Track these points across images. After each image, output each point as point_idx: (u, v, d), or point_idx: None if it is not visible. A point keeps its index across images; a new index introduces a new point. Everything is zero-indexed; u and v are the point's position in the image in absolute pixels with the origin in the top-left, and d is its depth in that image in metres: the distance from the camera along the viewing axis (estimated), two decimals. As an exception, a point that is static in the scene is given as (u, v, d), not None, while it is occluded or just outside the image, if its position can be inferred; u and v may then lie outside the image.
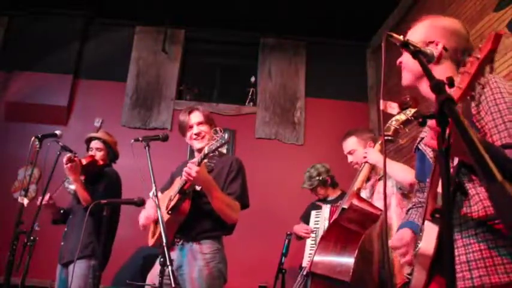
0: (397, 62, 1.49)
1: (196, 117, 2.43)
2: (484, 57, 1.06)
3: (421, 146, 1.48)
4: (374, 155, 2.35)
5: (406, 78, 1.46)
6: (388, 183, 2.42)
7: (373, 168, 2.46)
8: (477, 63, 1.06)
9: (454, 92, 1.07)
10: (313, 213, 3.47)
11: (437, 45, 1.38)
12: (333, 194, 3.54)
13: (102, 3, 5.02)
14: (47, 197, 3.06)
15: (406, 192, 2.39)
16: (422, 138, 1.49)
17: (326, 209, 3.21)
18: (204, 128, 2.42)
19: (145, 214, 2.43)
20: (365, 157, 2.37)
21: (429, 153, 1.41)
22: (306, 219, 3.51)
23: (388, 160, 2.40)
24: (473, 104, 1.25)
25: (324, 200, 3.51)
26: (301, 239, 3.37)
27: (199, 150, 2.34)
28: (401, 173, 2.32)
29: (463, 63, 1.41)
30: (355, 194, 2.22)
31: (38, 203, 3.01)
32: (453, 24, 1.44)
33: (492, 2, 3.12)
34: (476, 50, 1.09)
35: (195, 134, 2.41)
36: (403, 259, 1.47)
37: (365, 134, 2.72)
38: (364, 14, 4.85)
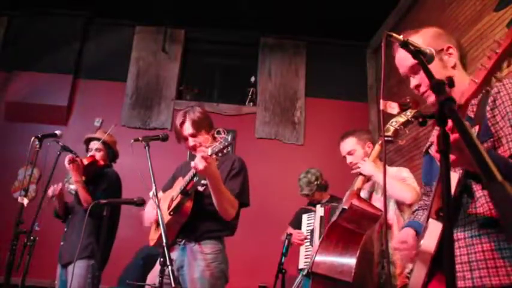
0: (412, 86, 1.40)
1: (187, 129, 2.37)
2: (502, 51, 1.03)
3: (431, 150, 1.46)
4: (369, 167, 2.30)
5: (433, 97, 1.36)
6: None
7: (368, 180, 2.42)
8: (495, 57, 1.04)
9: (468, 86, 1.06)
10: (305, 216, 3.48)
11: (448, 50, 1.35)
12: (324, 198, 3.59)
13: (102, 3, 5.02)
14: (59, 186, 3.07)
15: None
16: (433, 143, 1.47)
17: (320, 208, 3.21)
18: (199, 138, 2.37)
19: (149, 215, 2.40)
20: (359, 168, 2.35)
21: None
22: (296, 224, 3.51)
23: (389, 178, 2.35)
24: (488, 108, 1.22)
25: (316, 204, 3.53)
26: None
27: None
28: (402, 192, 2.29)
29: (463, 60, 1.41)
30: (355, 194, 2.22)
31: (49, 192, 3.02)
32: (437, 28, 1.42)
33: (492, 2, 3.12)
34: (494, 44, 1.07)
35: (191, 147, 2.39)
36: (405, 259, 1.46)
37: (363, 135, 2.69)
38: (364, 14, 4.84)
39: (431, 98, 1.35)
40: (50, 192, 3.05)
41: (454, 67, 1.35)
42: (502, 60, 1.05)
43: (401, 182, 2.37)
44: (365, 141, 2.63)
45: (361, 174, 2.32)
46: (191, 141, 2.38)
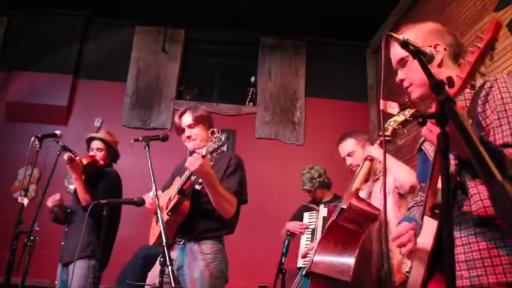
0: (397, 80, 1.44)
1: (186, 120, 2.44)
2: (484, 45, 1.05)
3: (424, 147, 1.47)
4: (376, 150, 2.32)
5: (417, 92, 1.39)
6: (387, 180, 2.41)
7: (370, 170, 2.44)
8: (478, 51, 1.06)
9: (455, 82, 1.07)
10: (306, 214, 3.49)
11: (436, 47, 1.35)
12: (327, 196, 3.57)
13: (102, 3, 5.02)
14: (57, 196, 3.06)
15: (403, 193, 2.38)
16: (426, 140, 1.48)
17: (324, 208, 3.22)
18: (195, 130, 2.42)
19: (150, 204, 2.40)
20: (367, 152, 2.35)
21: (431, 154, 1.41)
22: (297, 220, 3.52)
23: (391, 158, 2.39)
24: (480, 102, 1.24)
25: (318, 202, 3.53)
26: (293, 237, 3.38)
27: (194, 151, 2.35)
28: (404, 173, 2.31)
29: (459, 59, 1.41)
30: (353, 194, 2.22)
31: (49, 204, 3.03)
32: (436, 25, 1.43)
33: (492, 2, 3.12)
34: (477, 40, 1.08)
35: (186, 137, 2.43)
36: (404, 249, 1.47)
37: (362, 136, 2.71)
38: (364, 14, 4.85)
39: (414, 93, 1.41)
40: (49, 203, 3.04)
41: (440, 65, 1.35)
42: (485, 55, 1.06)
43: (403, 166, 2.37)
44: (364, 142, 2.63)
45: (369, 158, 2.31)
46: (187, 132, 2.42)
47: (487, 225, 1.16)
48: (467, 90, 1.28)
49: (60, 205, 3.11)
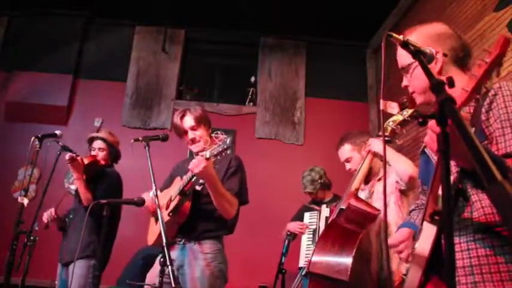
0: (402, 85, 1.44)
1: (188, 122, 2.41)
2: (492, 61, 1.05)
3: (427, 150, 1.47)
4: (377, 143, 2.31)
5: (420, 99, 1.40)
6: (388, 181, 2.41)
7: (367, 181, 2.44)
8: (485, 66, 1.05)
9: (460, 95, 1.06)
10: (307, 214, 3.50)
11: (436, 55, 1.32)
12: (328, 197, 3.60)
13: (102, 3, 5.02)
14: (52, 212, 3.05)
15: (404, 189, 2.38)
16: None
17: (326, 208, 3.24)
18: (199, 132, 2.41)
19: (149, 203, 2.40)
20: (369, 146, 2.34)
21: (434, 157, 1.40)
22: (297, 221, 3.53)
23: (389, 150, 2.38)
24: (483, 110, 1.22)
25: (319, 203, 3.54)
26: (295, 237, 3.39)
27: (197, 153, 2.35)
28: (403, 165, 2.31)
29: (465, 62, 1.41)
30: (353, 194, 2.22)
31: (44, 219, 3.02)
32: (441, 28, 1.41)
33: (492, 2, 3.12)
34: (484, 53, 1.08)
35: (191, 140, 2.41)
36: (401, 255, 1.48)
37: (359, 139, 2.69)
38: (364, 14, 4.85)
39: (418, 99, 1.40)
40: (44, 219, 3.03)
41: (439, 72, 1.34)
42: (492, 70, 1.06)
43: (401, 156, 2.37)
44: (361, 146, 2.62)
45: (371, 152, 2.31)
46: (191, 134, 2.41)
47: (486, 232, 1.16)
48: (472, 104, 1.27)
49: (56, 219, 3.10)
